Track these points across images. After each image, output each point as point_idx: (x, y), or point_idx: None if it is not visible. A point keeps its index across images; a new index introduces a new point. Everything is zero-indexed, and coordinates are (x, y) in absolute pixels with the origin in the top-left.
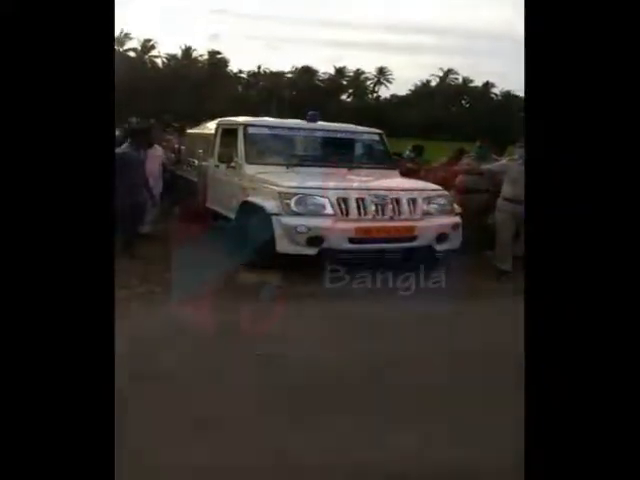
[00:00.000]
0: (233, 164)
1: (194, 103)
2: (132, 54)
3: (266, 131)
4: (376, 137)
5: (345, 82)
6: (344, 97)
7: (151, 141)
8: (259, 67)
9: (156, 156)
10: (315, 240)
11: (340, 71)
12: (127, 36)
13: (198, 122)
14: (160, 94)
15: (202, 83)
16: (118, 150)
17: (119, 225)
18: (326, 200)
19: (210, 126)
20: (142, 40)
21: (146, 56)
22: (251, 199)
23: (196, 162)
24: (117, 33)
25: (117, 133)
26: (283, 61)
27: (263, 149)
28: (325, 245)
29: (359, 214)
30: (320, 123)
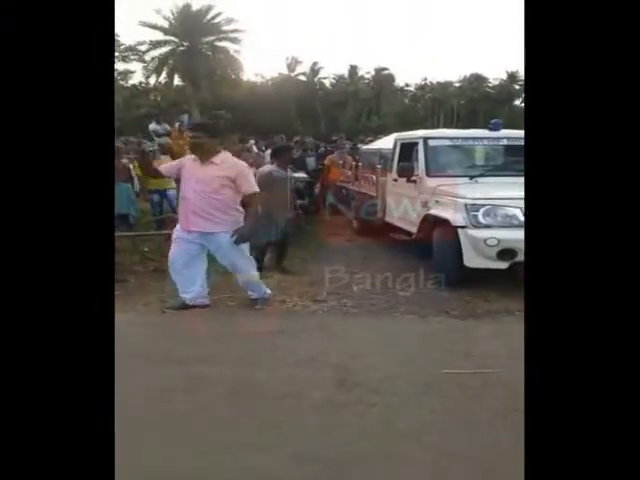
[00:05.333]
0: (413, 178)
1: (362, 120)
2: (302, 78)
3: (447, 143)
4: None
5: (518, 87)
6: (517, 102)
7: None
8: (425, 79)
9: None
10: (507, 253)
11: (512, 76)
12: (296, 61)
13: (368, 138)
14: (328, 114)
15: (369, 99)
16: (266, 168)
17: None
18: (517, 210)
19: (385, 141)
20: (311, 64)
21: (315, 78)
22: (434, 212)
23: (374, 177)
24: (287, 60)
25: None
26: (450, 71)
27: (444, 161)
28: (518, 258)
29: None
30: (504, 131)
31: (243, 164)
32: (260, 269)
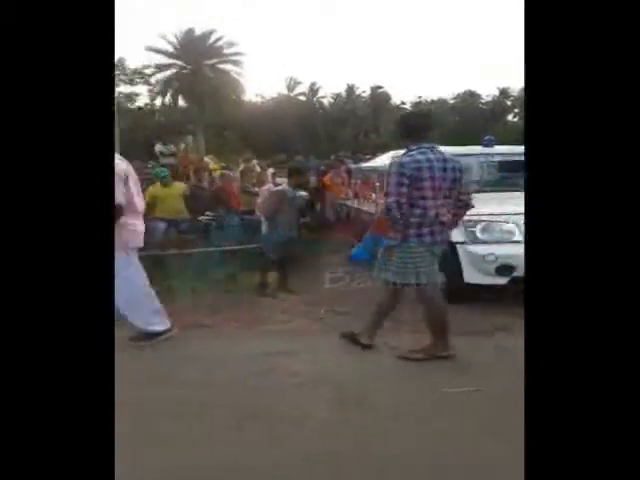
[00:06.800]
0: None
1: (361, 138)
2: (302, 98)
3: None
4: None
5: (510, 102)
6: (510, 117)
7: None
8: (419, 97)
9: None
10: (505, 269)
11: (504, 92)
12: (295, 82)
13: (366, 155)
14: (328, 132)
15: (367, 117)
16: (280, 188)
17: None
18: (514, 226)
19: (383, 159)
20: (310, 84)
21: (314, 98)
22: None
23: (373, 195)
24: (287, 81)
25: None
26: (445, 89)
27: None
28: (516, 274)
29: None
30: (497, 147)
31: None
32: (265, 287)
